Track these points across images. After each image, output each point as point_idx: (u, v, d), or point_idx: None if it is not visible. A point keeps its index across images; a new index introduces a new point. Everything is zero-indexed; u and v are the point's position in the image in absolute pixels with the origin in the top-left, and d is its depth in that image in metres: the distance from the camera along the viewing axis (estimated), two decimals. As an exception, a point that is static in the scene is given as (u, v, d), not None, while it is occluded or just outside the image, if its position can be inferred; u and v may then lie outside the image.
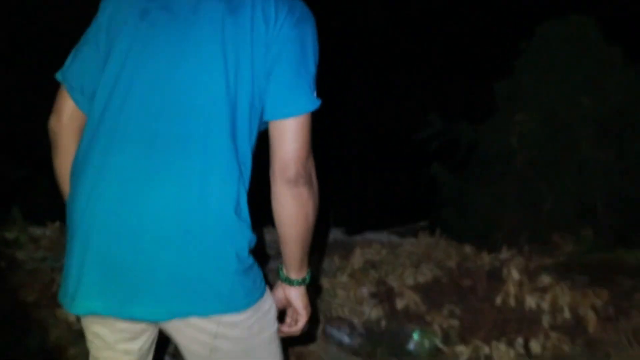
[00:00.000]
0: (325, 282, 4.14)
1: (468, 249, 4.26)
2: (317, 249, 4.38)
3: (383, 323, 3.86)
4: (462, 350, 3.64)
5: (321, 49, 1.92)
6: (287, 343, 2.75)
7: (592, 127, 5.55)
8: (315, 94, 1.85)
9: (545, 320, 3.67)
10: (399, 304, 3.91)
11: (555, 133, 5.70)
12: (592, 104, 5.68)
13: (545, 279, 3.83)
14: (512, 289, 3.79)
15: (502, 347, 3.61)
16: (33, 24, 8.98)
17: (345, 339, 3.74)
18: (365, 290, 4.04)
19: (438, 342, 3.72)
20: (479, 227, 5.08)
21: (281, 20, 1.82)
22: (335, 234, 4.66)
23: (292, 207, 1.82)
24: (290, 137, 1.82)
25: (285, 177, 1.81)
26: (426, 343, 3.71)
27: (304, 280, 1.99)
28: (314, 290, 4.09)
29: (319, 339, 3.73)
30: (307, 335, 2.76)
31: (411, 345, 3.72)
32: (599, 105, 5.67)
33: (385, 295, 3.99)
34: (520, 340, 3.63)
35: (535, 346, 3.59)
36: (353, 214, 4.86)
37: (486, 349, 3.62)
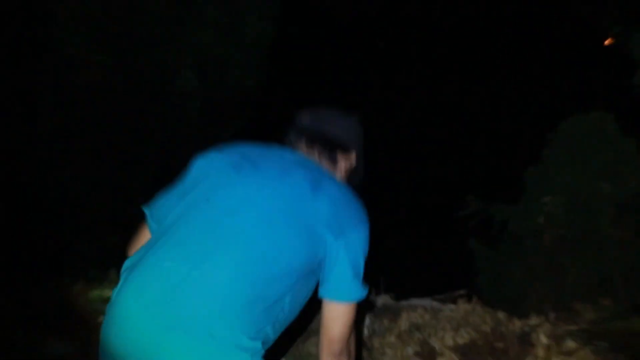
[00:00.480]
0: (375, 342, 4.12)
1: (501, 315, 4.20)
2: (370, 312, 4.39)
3: (426, 379, 3.83)
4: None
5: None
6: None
7: (611, 209, 5.49)
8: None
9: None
10: (439, 362, 3.88)
11: (578, 214, 5.66)
12: (611, 189, 5.64)
13: (571, 344, 3.75)
14: (541, 352, 3.72)
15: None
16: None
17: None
18: (410, 350, 4.01)
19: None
20: (511, 296, 5.03)
21: None
22: (385, 299, 4.64)
23: None
24: (340, 320, 1.88)
25: (331, 350, 1.90)
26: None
27: None
28: (367, 349, 4.09)
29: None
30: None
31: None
32: (617, 189, 5.63)
33: (427, 355, 3.95)
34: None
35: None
36: (401, 282, 4.83)
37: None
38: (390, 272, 4.90)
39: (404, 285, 4.78)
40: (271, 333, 1.76)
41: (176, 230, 1.83)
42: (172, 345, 1.64)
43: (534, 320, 4.06)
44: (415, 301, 4.56)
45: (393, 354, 4.00)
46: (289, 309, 1.82)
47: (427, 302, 4.52)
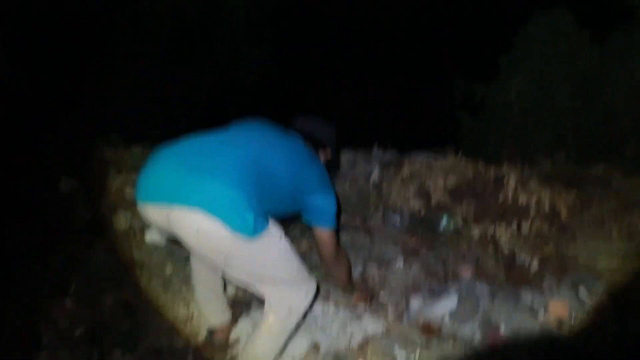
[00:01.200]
0: (384, 186, 4.36)
1: (480, 165, 4.40)
2: (378, 164, 4.61)
3: (422, 212, 4.08)
4: (476, 230, 3.85)
5: None
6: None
7: (568, 85, 5.61)
8: None
9: (532, 211, 3.83)
10: (434, 200, 4.12)
11: (542, 89, 5.79)
12: (568, 70, 5.74)
13: (533, 184, 3.98)
14: (510, 190, 3.96)
15: (502, 228, 3.80)
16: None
17: (398, 221, 3.99)
18: (411, 191, 4.25)
19: (459, 224, 3.93)
20: (488, 151, 5.23)
21: None
22: (391, 154, 4.85)
23: None
24: (323, 240, 2.60)
25: (327, 262, 2.73)
26: (452, 225, 3.93)
27: None
28: (377, 190, 4.34)
29: (381, 220, 3.98)
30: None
31: (442, 227, 3.94)
32: (573, 70, 5.72)
33: (424, 195, 4.20)
34: (514, 224, 3.81)
35: (525, 227, 3.77)
36: (403, 141, 5.02)
37: (492, 229, 3.82)
38: (395, 133, 5.09)
39: (405, 143, 4.95)
40: (255, 201, 2.05)
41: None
42: (190, 180, 2.02)
43: (505, 168, 4.27)
44: (414, 155, 4.77)
45: (398, 194, 4.25)
46: (270, 198, 2.17)
47: (423, 155, 4.72)
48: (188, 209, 1.98)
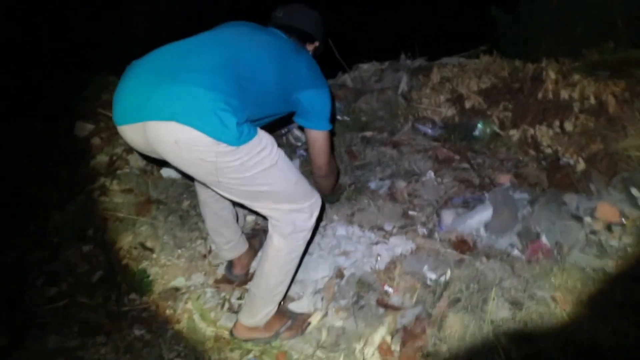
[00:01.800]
0: (413, 95, 4.04)
1: (517, 62, 4.01)
2: (406, 73, 4.26)
3: (456, 118, 3.76)
4: (514, 133, 3.52)
5: None
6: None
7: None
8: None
9: (576, 107, 3.46)
10: (467, 104, 3.79)
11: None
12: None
13: (576, 77, 3.57)
14: (550, 86, 3.58)
15: (543, 128, 3.46)
16: None
17: (429, 131, 3.68)
18: (442, 97, 3.92)
19: (496, 128, 3.60)
20: (527, 49, 4.76)
21: None
22: (419, 61, 4.49)
23: None
24: (317, 145, 2.29)
25: (319, 173, 2.41)
26: (488, 129, 3.60)
27: None
28: (405, 100, 4.02)
29: (410, 132, 3.67)
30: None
31: (477, 132, 3.61)
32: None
33: (456, 99, 3.87)
34: (557, 123, 3.46)
35: (568, 126, 3.42)
36: (432, 46, 4.62)
37: (531, 131, 3.48)
38: (423, 39, 4.69)
39: (435, 48, 4.56)
40: (237, 104, 1.81)
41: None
42: (161, 90, 1.79)
43: (544, 62, 3.86)
44: (445, 59, 4.40)
45: (428, 102, 3.93)
46: (256, 101, 1.94)
47: (454, 59, 4.35)
48: (162, 122, 1.77)
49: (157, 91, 1.79)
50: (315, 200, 2.17)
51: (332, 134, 2.45)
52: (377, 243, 2.76)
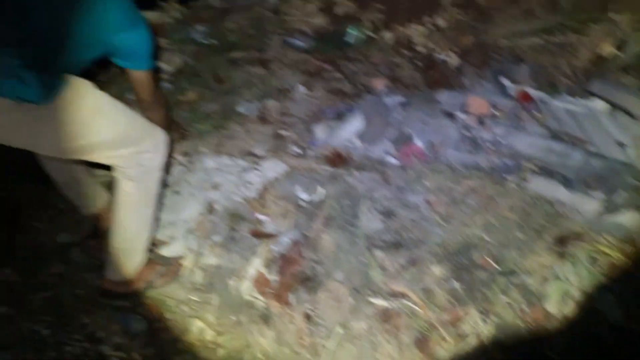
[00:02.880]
0: (283, 7, 3.74)
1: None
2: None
3: (328, 27, 3.53)
4: (388, 35, 3.34)
5: None
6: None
7: None
8: None
9: (446, 1, 3.31)
10: (339, 11, 3.56)
11: None
12: None
13: (444, -30, 3.41)
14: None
15: (417, 27, 3.30)
16: None
17: (300, 44, 3.44)
18: (313, 7, 3.66)
19: (369, 32, 3.40)
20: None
21: None
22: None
23: None
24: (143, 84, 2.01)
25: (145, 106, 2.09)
26: (360, 34, 3.40)
27: None
28: (275, 14, 3.74)
29: (280, 48, 3.42)
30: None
31: (350, 38, 3.41)
32: None
33: (327, 7, 3.62)
34: (429, 20, 3.30)
35: (440, 21, 3.28)
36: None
37: (405, 31, 3.31)
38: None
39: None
40: (33, 54, 1.51)
41: None
42: None
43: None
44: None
45: (299, 14, 3.65)
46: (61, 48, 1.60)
47: (322, -36, 4.06)
48: None
49: None
50: (158, 137, 1.92)
51: (156, 71, 2.22)
52: (248, 170, 2.55)
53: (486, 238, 2.03)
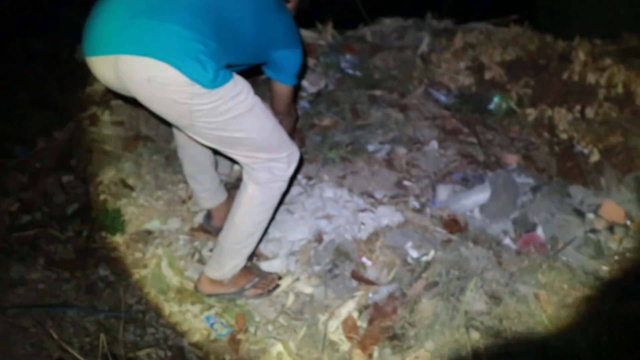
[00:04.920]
0: (433, 57, 3.75)
1: (548, 37, 3.70)
2: (429, 33, 3.96)
3: (473, 88, 3.49)
4: (532, 112, 3.26)
5: None
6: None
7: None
8: None
9: (601, 93, 3.19)
10: (487, 75, 3.51)
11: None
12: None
13: (607, 61, 3.28)
14: (577, 67, 3.29)
15: (563, 111, 3.20)
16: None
17: (442, 98, 3.42)
18: (462, 64, 3.64)
19: (513, 104, 3.33)
20: (562, 24, 4.41)
21: None
22: (446, 22, 4.18)
23: None
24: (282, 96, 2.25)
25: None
26: (504, 104, 3.34)
27: None
28: (423, 62, 3.74)
29: (421, 97, 3.42)
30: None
31: (492, 106, 3.36)
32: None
33: (477, 69, 3.59)
34: (578, 107, 3.19)
35: (589, 112, 3.16)
36: (460, 7, 4.30)
37: (550, 112, 3.22)
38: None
39: (464, 10, 4.24)
40: (215, 47, 1.66)
41: None
42: (137, 23, 1.63)
43: (576, 41, 3.56)
44: (472, 24, 4.09)
45: (447, 67, 3.65)
46: (232, 49, 1.78)
47: (482, 25, 4.03)
48: (136, 57, 1.61)
49: (133, 23, 1.62)
50: (293, 151, 2.04)
51: (296, 87, 2.54)
52: (364, 210, 2.56)
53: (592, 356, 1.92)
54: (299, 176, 2.76)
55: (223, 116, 1.77)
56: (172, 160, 2.89)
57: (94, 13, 1.74)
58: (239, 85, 1.78)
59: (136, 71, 1.64)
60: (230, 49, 1.74)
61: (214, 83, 1.65)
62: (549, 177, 2.85)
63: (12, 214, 2.61)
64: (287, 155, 2.00)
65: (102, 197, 2.67)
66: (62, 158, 2.86)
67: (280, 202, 2.16)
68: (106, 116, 3.03)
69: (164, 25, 1.61)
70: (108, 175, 2.77)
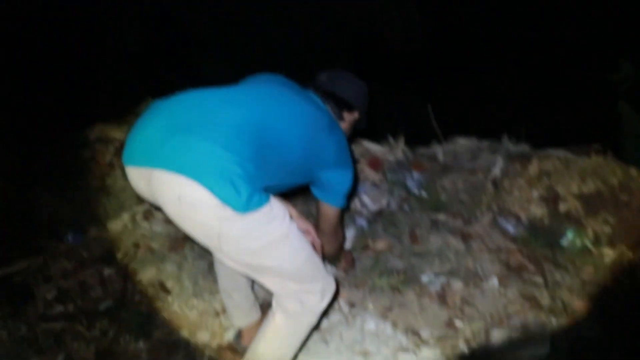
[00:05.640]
0: (505, 183, 3.55)
1: (633, 171, 3.42)
2: (503, 157, 3.78)
3: (545, 221, 3.24)
4: (609, 252, 2.96)
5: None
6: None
7: None
8: None
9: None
10: (562, 207, 3.26)
11: None
12: None
13: (698, 205, 2.96)
14: (665, 208, 2.99)
15: (647, 256, 2.88)
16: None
17: (510, 229, 3.19)
18: (535, 193, 3.41)
19: (589, 242, 3.05)
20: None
21: None
22: (523, 147, 3.98)
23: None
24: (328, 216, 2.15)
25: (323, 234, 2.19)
26: (578, 242, 3.06)
27: None
28: (495, 187, 3.53)
29: (487, 225, 3.20)
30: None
31: (564, 242, 3.08)
32: None
33: (551, 200, 3.34)
34: (664, 253, 2.87)
35: (677, 260, 2.82)
36: (540, 132, 4.11)
37: (630, 255, 2.90)
38: (532, 122, 4.18)
39: (542, 135, 4.04)
40: (253, 170, 1.62)
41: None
42: (175, 140, 1.61)
43: (666, 178, 3.26)
44: (549, 150, 3.87)
45: (519, 195, 3.43)
46: (274, 172, 1.76)
47: (560, 152, 3.80)
48: (169, 172, 1.60)
49: (171, 139, 1.63)
50: (328, 283, 1.92)
51: (344, 209, 2.38)
52: (406, 350, 2.34)
53: None
54: (342, 301, 2.59)
55: (254, 242, 1.68)
56: (213, 269, 2.80)
57: (138, 123, 1.77)
58: (274, 210, 1.71)
59: (167, 187, 1.62)
60: (272, 171, 1.71)
61: (246, 207, 1.59)
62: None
63: (47, 303, 2.62)
64: (321, 287, 1.88)
65: (137, 297, 2.61)
66: (109, 250, 2.88)
67: (317, 326, 2.06)
68: (160, 213, 3.03)
69: (201, 144, 1.59)
70: (148, 275, 2.74)
